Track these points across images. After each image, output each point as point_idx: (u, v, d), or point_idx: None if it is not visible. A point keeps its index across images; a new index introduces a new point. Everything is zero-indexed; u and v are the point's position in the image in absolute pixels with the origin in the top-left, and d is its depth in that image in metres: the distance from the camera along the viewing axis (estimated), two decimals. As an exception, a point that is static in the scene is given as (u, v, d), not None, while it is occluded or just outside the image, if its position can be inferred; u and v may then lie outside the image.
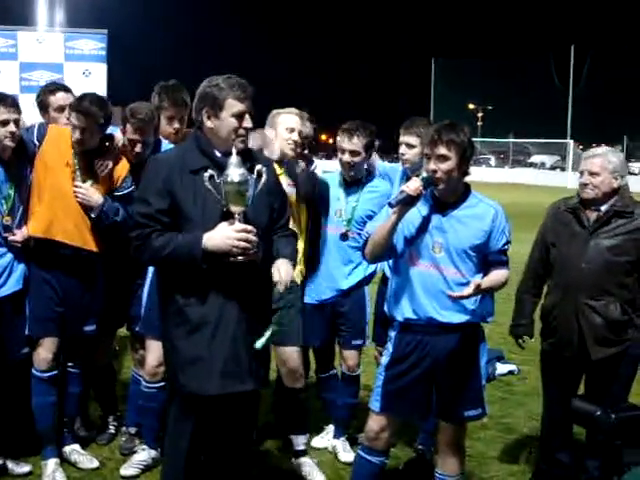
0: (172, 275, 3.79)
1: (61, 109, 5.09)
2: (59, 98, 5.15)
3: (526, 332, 5.03)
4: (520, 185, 44.08)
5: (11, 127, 4.53)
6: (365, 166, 5.25)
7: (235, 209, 3.63)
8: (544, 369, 5.02)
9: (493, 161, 59.86)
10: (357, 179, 5.21)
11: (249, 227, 3.64)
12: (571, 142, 51.53)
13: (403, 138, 5.15)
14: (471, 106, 71.41)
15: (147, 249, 3.70)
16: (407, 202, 3.88)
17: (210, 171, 3.61)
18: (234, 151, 3.64)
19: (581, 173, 4.69)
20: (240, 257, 3.62)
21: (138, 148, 4.95)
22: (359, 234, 4.99)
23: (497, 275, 4.00)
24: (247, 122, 3.76)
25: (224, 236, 3.60)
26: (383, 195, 5.08)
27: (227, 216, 3.65)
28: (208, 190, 3.61)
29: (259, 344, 3.76)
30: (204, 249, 3.59)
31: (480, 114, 71.55)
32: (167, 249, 3.64)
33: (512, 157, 58.79)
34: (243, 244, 3.60)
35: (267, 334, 3.78)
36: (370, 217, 5.03)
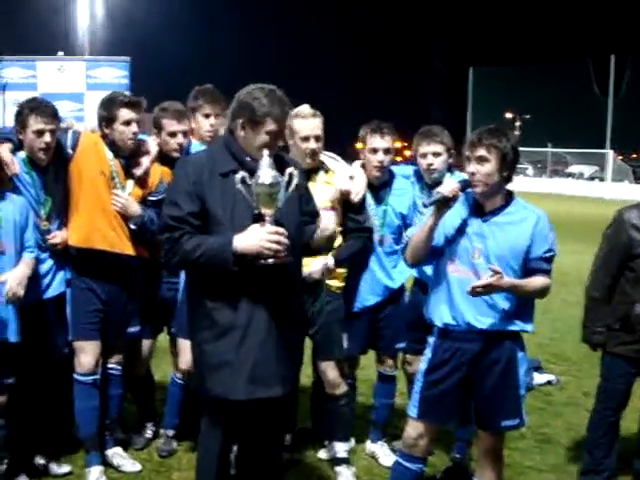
0: (201, 278, 3.81)
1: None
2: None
3: (604, 339, 4.97)
4: (558, 195, 43.68)
5: (46, 138, 4.58)
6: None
7: (266, 211, 3.63)
8: (612, 373, 5.00)
9: (531, 171, 59.35)
10: (383, 182, 5.20)
11: (281, 229, 3.63)
12: (610, 152, 50.94)
13: (428, 148, 5.13)
14: (509, 115, 70.95)
15: (177, 252, 3.70)
16: (442, 203, 3.88)
17: (242, 173, 3.62)
18: (265, 153, 3.64)
19: None
20: (271, 260, 3.62)
21: (180, 138, 5.02)
22: (394, 239, 5.01)
23: (533, 280, 3.96)
24: (279, 141, 3.81)
25: (256, 238, 3.59)
26: (409, 195, 5.12)
27: (258, 219, 3.65)
28: (239, 192, 3.62)
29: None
30: (235, 251, 3.59)
31: (518, 123, 71.03)
32: (198, 252, 3.64)
33: (550, 167, 58.32)
34: (275, 246, 3.59)
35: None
36: (402, 219, 5.05)
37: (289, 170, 3.70)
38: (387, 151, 5.09)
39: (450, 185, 3.91)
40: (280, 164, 3.81)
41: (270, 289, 3.72)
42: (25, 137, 4.61)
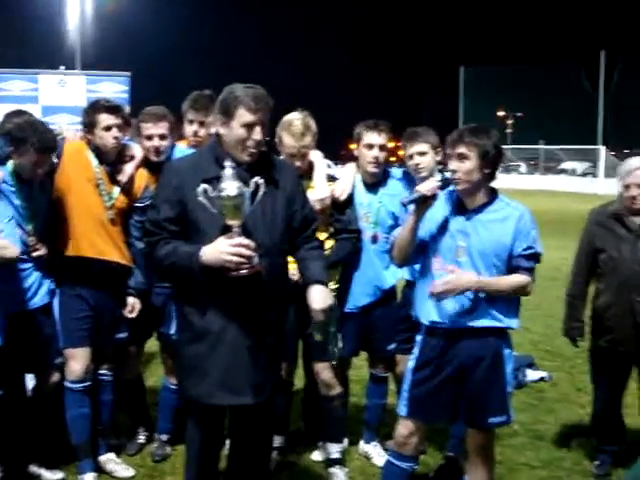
0: (177, 283, 3.88)
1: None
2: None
3: (580, 333, 5.33)
4: (551, 192, 43.74)
5: (42, 170, 4.57)
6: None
7: (232, 223, 3.58)
8: (596, 365, 5.33)
9: (524, 168, 59.44)
10: (377, 180, 5.21)
11: (245, 241, 3.57)
12: (602, 148, 50.98)
13: (413, 148, 5.13)
14: (500, 113, 71.16)
15: (153, 257, 3.75)
16: (421, 202, 3.89)
17: (203, 185, 3.58)
18: (228, 164, 3.61)
19: (627, 187, 4.97)
20: (242, 271, 3.57)
21: (156, 141, 5.03)
22: (386, 238, 5.01)
23: (507, 277, 3.97)
24: (256, 134, 3.67)
25: (218, 250, 3.55)
26: (402, 196, 5.10)
27: (227, 229, 3.62)
28: (203, 204, 3.59)
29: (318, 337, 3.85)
30: (201, 263, 3.58)
31: (510, 121, 71.24)
32: (169, 259, 3.67)
33: (543, 164, 58.37)
34: (236, 259, 3.54)
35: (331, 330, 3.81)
36: (394, 219, 5.07)
37: (254, 180, 3.65)
38: (382, 147, 5.10)
39: (429, 184, 3.91)
40: (270, 165, 3.82)
41: (244, 297, 3.70)
42: (19, 159, 4.52)
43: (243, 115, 3.64)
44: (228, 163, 3.62)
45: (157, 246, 3.71)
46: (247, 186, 3.61)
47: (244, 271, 3.58)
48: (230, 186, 3.55)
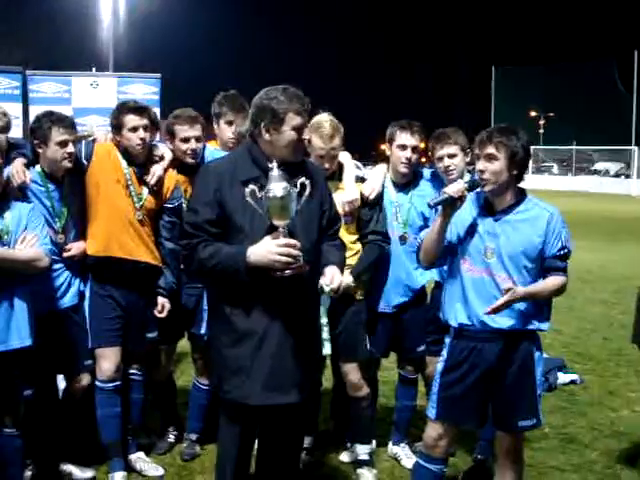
0: (220, 284, 3.84)
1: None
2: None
3: None
4: (584, 193, 43.36)
5: (69, 148, 4.63)
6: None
7: (279, 223, 3.61)
8: None
9: (556, 169, 59.07)
10: (408, 180, 5.20)
11: (292, 241, 3.61)
12: (636, 149, 50.53)
13: (443, 150, 5.09)
14: (533, 113, 70.74)
15: (194, 259, 3.74)
16: (449, 204, 3.89)
17: (251, 186, 3.61)
18: (274, 165, 3.63)
19: None
20: (287, 271, 3.60)
21: (193, 144, 5.04)
22: (415, 238, 4.99)
23: (548, 281, 3.95)
24: (306, 134, 3.79)
25: (266, 250, 3.58)
26: (431, 197, 5.09)
27: (272, 229, 3.65)
28: (243, 205, 3.62)
29: (325, 350, 3.85)
30: (247, 263, 3.60)
31: (542, 121, 70.78)
32: (212, 261, 3.67)
33: (575, 164, 57.94)
34: (285, 259, 3.58)
35: (325, 337, 3.82)
36: (424, 220, 5.05)
37: (301, 180, 3.69)
38: (415, 149, 5.10)
39: (456, 186, 3.90)
40: (304, 169, 3.83)
41: (287, 297, 3.72)
42: (46, 150, 4.63)
43: (294, 119, 3.70)
44: (274, 164, 3.64)
45: (198, 248, 3.71)
46: (292, 186, 3.64)
47: (289, 271, 3.60)
48: (277, 187, 3.58)
